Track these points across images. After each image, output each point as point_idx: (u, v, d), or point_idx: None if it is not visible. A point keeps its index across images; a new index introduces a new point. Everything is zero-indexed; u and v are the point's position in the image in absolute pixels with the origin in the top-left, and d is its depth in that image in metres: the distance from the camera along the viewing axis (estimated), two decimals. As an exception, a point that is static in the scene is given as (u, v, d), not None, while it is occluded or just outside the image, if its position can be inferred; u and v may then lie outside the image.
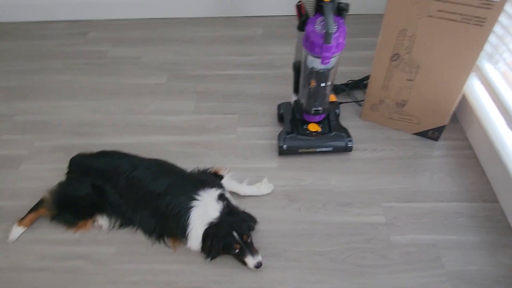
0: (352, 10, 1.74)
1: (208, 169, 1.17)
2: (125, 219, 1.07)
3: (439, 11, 0.94)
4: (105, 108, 1.44)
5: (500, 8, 0.87)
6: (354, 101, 1.41)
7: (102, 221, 1.07)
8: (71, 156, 1.15)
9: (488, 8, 0.88)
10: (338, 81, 1.48)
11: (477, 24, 0.92)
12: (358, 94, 1.45)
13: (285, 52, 1.65)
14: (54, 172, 1.17)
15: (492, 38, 1.17)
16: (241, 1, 1.86)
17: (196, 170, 1.15)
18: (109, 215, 1.07)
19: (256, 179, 1.17)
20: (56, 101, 1.48)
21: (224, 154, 1.27)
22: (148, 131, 1.35)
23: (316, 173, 1.20)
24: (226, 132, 1.34)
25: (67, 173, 1.14)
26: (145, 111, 1.43)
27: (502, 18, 1.11)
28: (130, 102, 1.46)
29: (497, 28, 1.14)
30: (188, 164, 1.16)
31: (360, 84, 1.46)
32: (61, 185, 1.11)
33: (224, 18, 1.91)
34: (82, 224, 1.07)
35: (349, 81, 1.47)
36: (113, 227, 1.07)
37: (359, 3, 1.80)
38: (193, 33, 1.82)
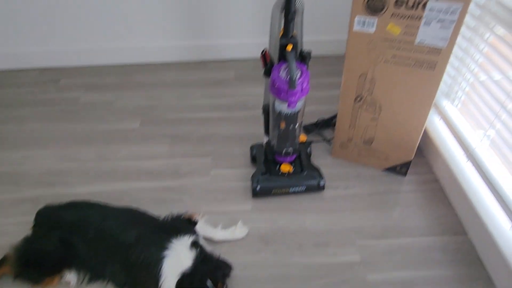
0: (319, 52, 1.83)
1: (182, 214, 1.15)
2: (94, 274, 1.02)
3: (393, 57, 1.01)
4: (75, 155, 1.42)
5: (447, 54, 0.94)
6: (324, 140, 1.45)
7: (70, 276, 1.02)
8: (38, 208, 1.11)
9: (436, 54, 0.95)
10: (308, 121, 1.53)
11: (429, 68, 0.98)
12: (328, 132, 1.50)
13: (258, 93, 1.70)
14: (20, 226, 1.12)
15: (446, 78, 1.25)
16: (213, 45, 1.93)
17: (169, 216, 1.13)
18: (78, 269, 1.03)
19: (230, 222, 1.16)
20: (25, 150, 1.45)
21: (198, 198, 1.26)
22: (120, 177, 1.33)
23: (290, 214, 1.20)
24: (200, 175, 1.34)
25: (33, 227, 1.09)
26: (117, 157, 1.42)
27: (454, 60, 1.20)
28: (102, 149, 1.45)
29: (450, 69, 1.23)
30: (161, 211, 1.14)
31: (330, 122, 1.51)
32: (26, 240, 1.06)
33: (197, 62, 1.97)
34: (49, 281, 1.01)
35: (319, 120, 1.52)
36: (82, 282, 1.02)
37: (325, 45, 1.91)
38: (167, 77, 1.86)
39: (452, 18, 0.87)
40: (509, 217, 0.95)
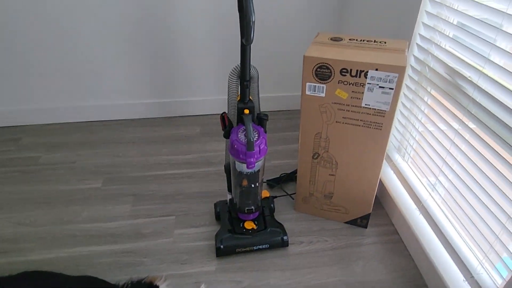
0: (283, 107, 1.92)
1: (143, 279, 1.10)
2: None
3: (344, 118, 1.08)
4: (31, 219, 1.36)
5: (391, 116, 1.02)
6: (287, 195, 1.48)
7: None
8: (-15, 282, 1.04)
9: (381, 116, 1.03)
10: (272, 175, 1.57)
11: (377, 128, 1.06)
12: (292, 186, 1.53)
13: (222, 149, 1.74)
14: (-38, 303, 1.04)
15: (396, 134, 1.34)
16: (180, 102, 1.98)
17: (129, 282, 1.08)
18: None
19: (194, 286, 1.13)
20: (-24, 216, 1.38)
21: (160, 260, 1.22)
22: (79, 241, 1.28)
23: (255, 273, 1.18)
24: (162, 236, 1.31)
25: (-22, 302, 1.01)
26: (77, 219, 1.37)
27: (401, 118, 1.30)
28: (61, 211, 1.40)
29: (398, 126, 1.33)
30: (122, 276, 1.10)
31: (293, 176, 1.55)
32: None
33: (164, 118, 2.00)
34: None
35: (282, 175, 1.56)
36: None
37: (289, 100, 2.02)
38: (133, 134, 1.87)
39: (390, 86, 0.97)
40: (459, 269, 0.99)
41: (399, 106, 1.30)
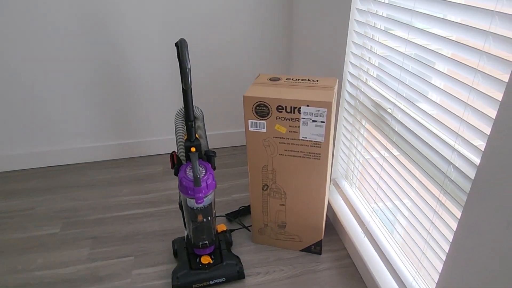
0: (236, 143, 1.98)
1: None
2: None
3: (285, 150, 1.17)
4: (-17, 271, 1.33)
5: (326, 146, 1.11)
6: (243, 227, 1.52)
7: None
8: None
9: (318, 147, 1.12)
10: (232, 209, 1.61)
11: (316, 158, 1.15)
12: (250, 219, 1.58)
13: (183, 186, 1.78)
14: None
15: (342, 162, 1.44)
16: (141, 142, 2.03)
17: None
18: None
19: (149, 326, 1.13)
20: None
21: (116, 303, 1.22)
22: (33, 290, 1.26)
23: (211, 308, 1.20)
24: (120, 278, 1.31)
25: None
26: (31, 267, 1.35)
27: (344, 147, 1.40)
28: (14, 260, 1.38)
29: (342, 155, 1.42)
30: (74, 323, 1.09)
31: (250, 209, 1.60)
32: None
33: (126, 159, 2.03)
34: None
35: (241, 208, 1.60)
36: None
37: (242, 136, 2.10)
38: (94, 176, 1.88)
39: (321, 119, 1.07)
40: (399, 286, 1.05)
41: (341, 137, 1.40)
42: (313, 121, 1.08)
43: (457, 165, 0.79)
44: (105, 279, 1.31)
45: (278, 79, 1.21)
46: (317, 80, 1.19)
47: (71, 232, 1.52)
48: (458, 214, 0.79)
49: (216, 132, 2.08)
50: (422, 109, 0.88)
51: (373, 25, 1.08)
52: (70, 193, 1.76)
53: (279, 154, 1.19)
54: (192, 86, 1.07)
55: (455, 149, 0.79)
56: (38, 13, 1.59)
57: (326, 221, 1.50)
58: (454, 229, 0.79)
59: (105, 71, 1.78)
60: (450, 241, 0.80)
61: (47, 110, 1.82)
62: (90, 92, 1.82)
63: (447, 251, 0.81)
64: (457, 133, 0.78)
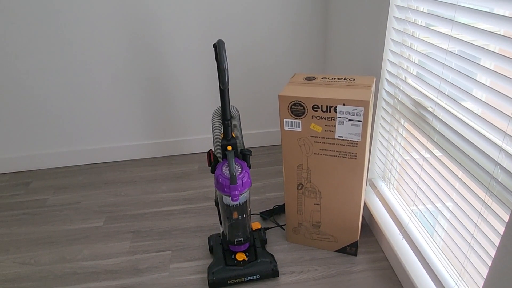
0: (271, 142, 1.99)
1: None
2: None
3: (321, 149, 1.16)
4: (35, 259, 1.44)
5: (363, 146, 1.09)
6: (277, 226, 1.53)
7: None
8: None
9: (355, 146, 1.10)
10: (266, 207, 1.63)
11: (352, 158, 1.13)
12: (284, 218, 1.58)
13: (218, 184, 1.82)
14: None
15: (379, 162, 1.41)
16: (178, 141, 2.09)
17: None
18: None
19: (186, 318, 1.16)
20: (-16, 257, 1.46)
21: (155, 295, 1.27)
22: (80, 279, 1.34)
23: (246, 304, 1.22)
24: (158, 271, 1.36)
25: None
26: (77, 258, 1.44)
27: (381, 147, 1.37)
28: (63, 250, 1.47)
29: (380, 155, 1.39)
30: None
31: (284, 208, 1.60)
32: None
33: (163, 157, 2.11)
34: None
35: (275, 206, 1.61)
36: None
37: (278, 135, 2.11)
38: (134, 174, 1.97)
39: (358, 118, 1.05)
40: (441, 291, 1.01)
41: (378, 136, 1.37)
42: (349, 120, 1.07)
43: (504, 166, 0.75)
44: (144, 271, 1.36)
45: (314, 78, 1.21)
46: (354, 79, 1.17)
47: (113, 225, 1.60)
48: (506, 217, 0.75)
49: (252, 131, 2.10)
50: (466, 107, 0.85)
51: (413, 21, 1.05)
52: (112, 189, 1.85)
53: (314, 154, 1.18)
54: (229, 86, 1.10)
55: (502, 149, 0.75)
56: (89, 22, 1.69)
57: (362, 222, 1.48)
58: (501, 233, 0.75)
59: (147, 76, 1.86)
60: (497, 245, 0.76)
61: (93, 111, 1.93)
62: (132, 94, 1.90)
63: (493, 256, 0.78)
64: (504, 132, 0.74)
